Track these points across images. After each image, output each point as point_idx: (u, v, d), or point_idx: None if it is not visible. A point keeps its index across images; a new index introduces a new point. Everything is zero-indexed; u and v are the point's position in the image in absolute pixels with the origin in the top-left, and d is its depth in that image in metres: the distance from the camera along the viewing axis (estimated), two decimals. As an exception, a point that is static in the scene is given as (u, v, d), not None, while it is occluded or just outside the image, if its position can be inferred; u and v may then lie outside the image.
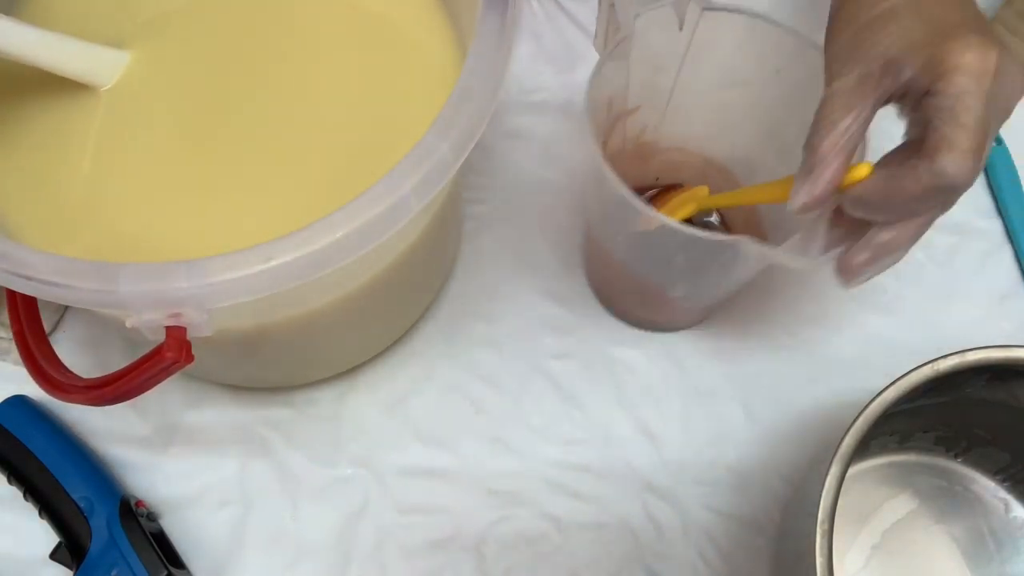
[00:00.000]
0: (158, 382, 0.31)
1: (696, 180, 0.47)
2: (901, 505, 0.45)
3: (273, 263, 0.29)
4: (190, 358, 0.30)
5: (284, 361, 0.44)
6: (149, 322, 0.29)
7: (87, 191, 0.37)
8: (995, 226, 0.53)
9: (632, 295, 0.48)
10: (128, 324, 0.29)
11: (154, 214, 0.37)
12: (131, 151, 0.38)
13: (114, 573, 0.40)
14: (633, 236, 0.40)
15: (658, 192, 0.49)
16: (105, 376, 0.32)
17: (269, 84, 0.39)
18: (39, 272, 0.29)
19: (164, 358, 0.29)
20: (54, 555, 0.42)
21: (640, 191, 0.49)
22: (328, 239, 0.29)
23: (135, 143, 0.38)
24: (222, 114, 0.38)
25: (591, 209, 0.45)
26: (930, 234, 0.32)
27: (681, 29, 0.40)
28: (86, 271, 0.29)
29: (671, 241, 0.37)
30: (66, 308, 0.47)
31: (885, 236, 0.31)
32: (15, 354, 0.45)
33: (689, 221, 0.37)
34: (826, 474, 0.34)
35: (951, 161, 0.28)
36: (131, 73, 0.39)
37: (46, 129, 0.38)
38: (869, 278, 0.33)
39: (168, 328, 0.29)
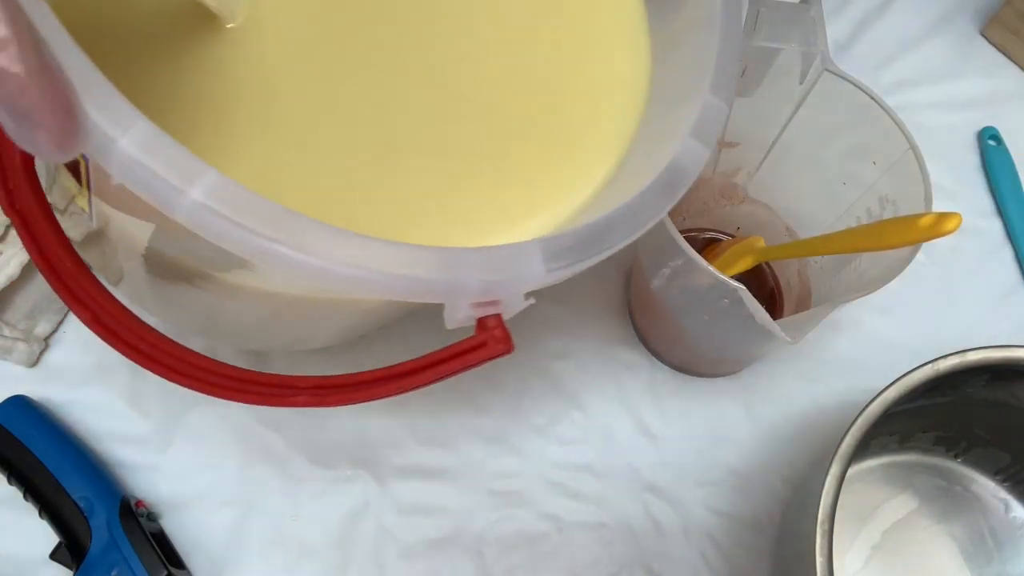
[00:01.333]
0: (461, 371, 0.29)
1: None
2: (901, 505, 0.45)
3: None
4: (511, 347, 0.28)
5: (288, 335, 0.41)
6: (468, 313, 0.27)
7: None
8: (995, 226, 0.53)
9: (677, 341, 0.46)
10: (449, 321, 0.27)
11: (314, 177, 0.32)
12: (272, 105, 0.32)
13: (114, 573, 0.40)
14: (687, 288, 0.38)
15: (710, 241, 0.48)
16: (404, 364, 0.30)
17: (423, 43, 0.34)
18: (384, 264, 0.25)
19: (497, 349, 0.27)
20: (54, 555, 0.42)
21: (711, 233, 0.48)
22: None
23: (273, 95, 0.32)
24: (372, 67, 0.33)
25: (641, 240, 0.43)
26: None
27: (801, 83, 0.38)
28: (429, 259, 0.26)
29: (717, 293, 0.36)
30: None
31: None
32: (16, 354, 0.45)
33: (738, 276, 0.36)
34: (826, 474, 0.34)
35: None
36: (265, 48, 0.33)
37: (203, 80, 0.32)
38: None
39: (484, 319, 0.27)
